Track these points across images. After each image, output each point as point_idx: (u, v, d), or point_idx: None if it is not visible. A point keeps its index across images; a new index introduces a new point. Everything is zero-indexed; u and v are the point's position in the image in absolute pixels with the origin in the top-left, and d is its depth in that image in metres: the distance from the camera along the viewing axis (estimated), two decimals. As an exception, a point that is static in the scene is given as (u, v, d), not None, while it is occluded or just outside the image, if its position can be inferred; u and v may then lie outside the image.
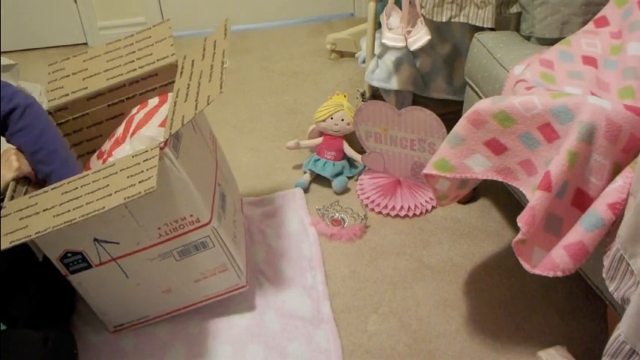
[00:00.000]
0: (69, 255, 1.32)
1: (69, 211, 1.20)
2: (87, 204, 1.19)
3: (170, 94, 1.50)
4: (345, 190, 1.92)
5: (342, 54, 2.61)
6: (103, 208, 1.17)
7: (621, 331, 1.02)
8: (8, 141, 1.41)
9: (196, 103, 1.29)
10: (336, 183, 1.91)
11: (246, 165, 2.05)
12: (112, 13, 2.79)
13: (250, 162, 2.06)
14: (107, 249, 1.33)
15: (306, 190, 1.93)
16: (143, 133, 1.40)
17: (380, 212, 1.83)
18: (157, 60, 1.56)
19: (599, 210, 1.10)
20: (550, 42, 1.51)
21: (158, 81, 1.58)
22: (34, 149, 1.39)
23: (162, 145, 1.26)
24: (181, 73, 1.48)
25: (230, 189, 1.65)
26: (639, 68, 1.23)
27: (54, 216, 1.20)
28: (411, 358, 1.43)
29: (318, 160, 1.94)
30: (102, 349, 1.47)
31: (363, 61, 2.09)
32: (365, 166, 1.96)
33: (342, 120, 1.92)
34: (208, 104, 1.25)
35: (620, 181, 1.10)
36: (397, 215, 1.82)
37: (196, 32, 2.83)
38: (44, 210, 1.22)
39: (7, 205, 1.28)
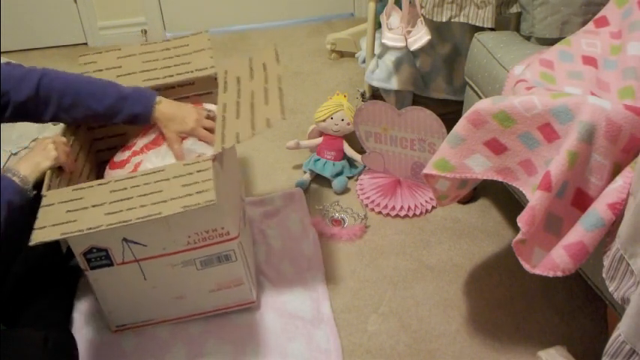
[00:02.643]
0: (94, 250, 1.32)
1: (121, 211, 1.20)
2: (141, 206, 1.20)
3: (205, 105, 1.52)
4: (345, 190, 1.92)
5: (342, 54, 2.61)
6: (160, 213, 1.18)
7: (621, 331, 1.02)
8: (57, 119, 1.39)
9: (252, 123, 1.33)
10: (336, 183, 1.91)
11: (246, 165, 2.05)
12: (112, 13, 2.79)
13: (250, 162, 2.06)
14: (133, 250, 1.34)
15: (306, 190, 1.93)
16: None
17: (380, 212, 1.83)
18: (196, 70, 1.57)
19: (599, 210, 1.10)
20: (550, 42, 1.51)
21: (194, 90, 1.59)
22: (100, 103, 1.38)
23: (213, 157, 1.28)
24: (225, 87, 1.50)
25: (244, 203, 1.67)
26: (639, 68, 1.24)
27: (105, 214, 1.20)
28: (411, 358, 1.43)
29: (318, 160, 1.94)
30: (102, 349, 1.47)
31: (363, 61, 2.09)
32: (365, 166, 1.96)
33: (342, 120, 1.92)
34: (269, 127, 1.31)
35: (620, 181, 1.10)
36: (397, 215, 1.82)
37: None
38: (93, 206, 1.22)
39: (48, 195, 1.27)
